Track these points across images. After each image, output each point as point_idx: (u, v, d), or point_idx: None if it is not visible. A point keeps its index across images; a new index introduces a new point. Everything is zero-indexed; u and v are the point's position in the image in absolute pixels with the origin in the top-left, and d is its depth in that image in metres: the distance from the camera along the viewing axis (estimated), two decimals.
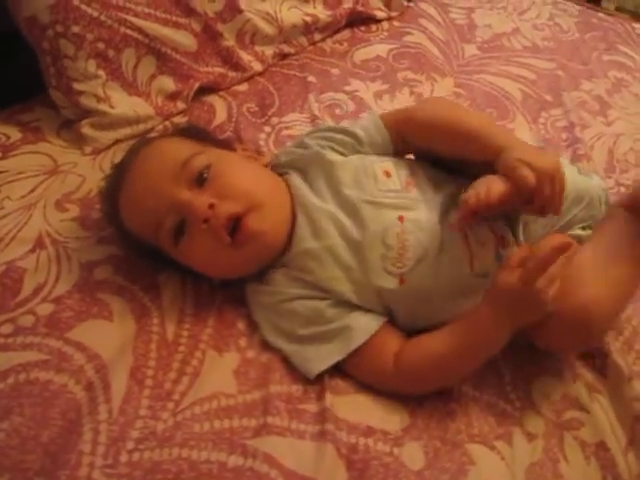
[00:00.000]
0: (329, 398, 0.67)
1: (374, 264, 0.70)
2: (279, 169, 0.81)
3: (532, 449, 0.67)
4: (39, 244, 0.82)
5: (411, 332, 0.72)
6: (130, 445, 0.62)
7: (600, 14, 1.69)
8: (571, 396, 0.72)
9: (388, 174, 0.75)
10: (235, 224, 0.69)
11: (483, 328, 0.66)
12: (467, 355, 0.68)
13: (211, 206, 0.68)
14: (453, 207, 0.74)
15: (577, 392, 0.72)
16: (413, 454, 0.64)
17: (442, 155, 0.79)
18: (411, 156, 0.84)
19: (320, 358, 0.69)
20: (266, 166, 0.81)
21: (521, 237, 0.75)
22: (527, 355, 0.75)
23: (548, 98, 1.26)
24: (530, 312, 0.65)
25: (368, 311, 0.71)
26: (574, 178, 0.81)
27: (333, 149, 0.79)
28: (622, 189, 1.04)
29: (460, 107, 1.03)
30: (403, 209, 0.72)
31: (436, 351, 0.68)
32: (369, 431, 0.65)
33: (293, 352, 0.71)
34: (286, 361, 0.71)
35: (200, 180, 0.71)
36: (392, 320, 0.73)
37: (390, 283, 0.70)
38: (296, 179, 0.78)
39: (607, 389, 0.73)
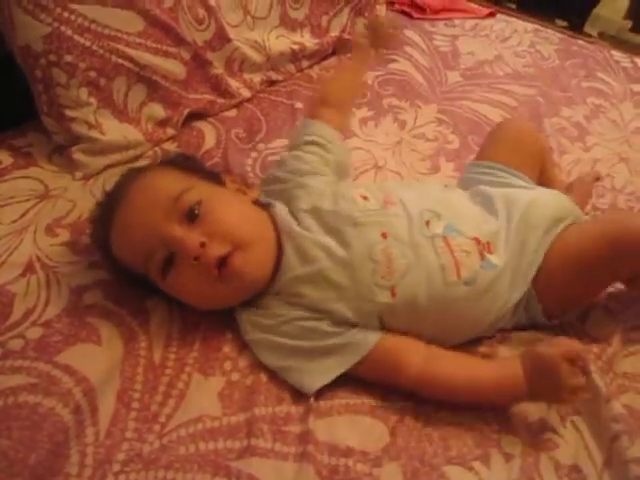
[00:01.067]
0: (312, 420, 0.69)
1: (365, 280, 0.73)
2: (267, 196, 0.85)
3: (509, 469, 0.68)
4: (29, 268, 0.84)
5: None
6: (116, 467, 0.64)
7: (580, 41, 1.74)
8: (546, 421, 0.73)
9: (365, 198, 0.80)
10: (222, 260, 0.72)
11: (506, 376, 0.71)
12: (481, 395, 0.72)
13: (202, 245, 0.71)
14: (433, 219, 0.78)
15: (551, 418, 0.74)
16: (392, 475, 0.66)
17: None
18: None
19: (322, 371, 0.71)
20: (255, 199, 0.84)
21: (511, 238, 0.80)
22: None
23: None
24: (550, 391, 0.69)
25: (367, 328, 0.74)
26: (557, 198, 0.88)
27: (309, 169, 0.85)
28: (598, 213, 1.07)
29: None
30: (385, 226, 0.76)
31: (459, 380, 0.72)
32: (349, 452, 0.67)
33: (294, 368, 0.73)
34: (270, 383, 0.73)
35: (191, 216, 0.73)
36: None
37: (383, 297, 0.73)
38: (282, 210, 0.81)
39: (585, 409, 0.75)
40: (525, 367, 0.70)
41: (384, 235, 0.75)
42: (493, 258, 0.77)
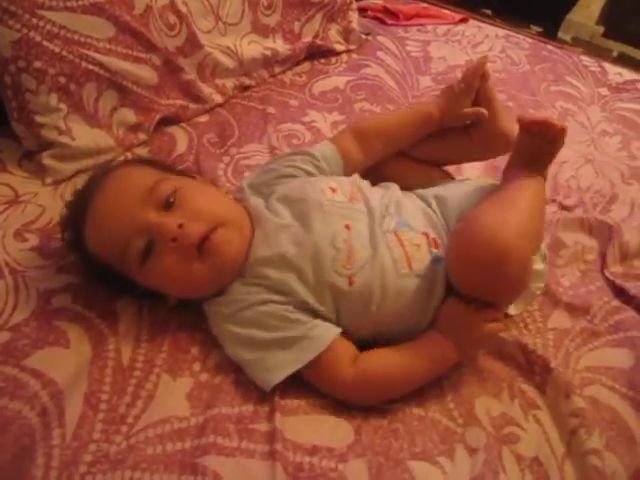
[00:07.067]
0: (278, 418, 0.70)
1: (325, 266, 0.75)
2: (242, 195, 0.87)
3: (473, 462, 0.69)
4: None
5: (358, 343, 0.77)
6: (83, 468, 0.64)
7: (550, 46, 1.77)
8: (509, 415, 0.75)
9: (334, 190, 0.82)
10: (202, 241, 0.73)
11: (433, 349, 0.75)
12: (418, 372, 0.75)
13: (180, 226, 0.72)
14: (387, 214, 0.81)
15: (514, 411, 0.76)
16: (357, 470, 0.67)
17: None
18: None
19: (279, 366, 0.72)
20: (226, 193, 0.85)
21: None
22: (469, 376, 0.79)
23: None
24: (471, 340, 0.75)
25: (326, 320, 0.75)
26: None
27: (295, 167, 0.86)
28: (565, 212, 1.09)
29: None
30: (349, 219, 0.78)
31: (392, 366, 0.74)
32: (315, 450, 0.68)
33: (253, 361, 0.73)
34: (238, 383, 0.74)
35: (167, 204, 0.74)
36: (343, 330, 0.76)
37: (341, 284, 0.74)
38: (256, 200, 0.83)
39: (546, 405, 0.77)
40: (440, 329, 0.76)
41: (347, 227, 0.77)
42: (439, 252, 0.79)
